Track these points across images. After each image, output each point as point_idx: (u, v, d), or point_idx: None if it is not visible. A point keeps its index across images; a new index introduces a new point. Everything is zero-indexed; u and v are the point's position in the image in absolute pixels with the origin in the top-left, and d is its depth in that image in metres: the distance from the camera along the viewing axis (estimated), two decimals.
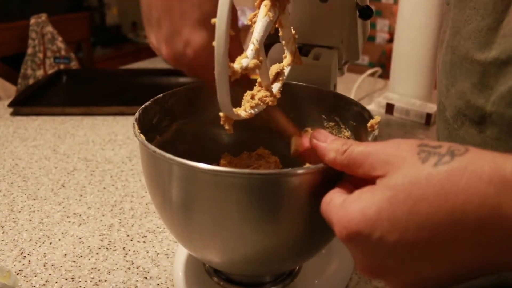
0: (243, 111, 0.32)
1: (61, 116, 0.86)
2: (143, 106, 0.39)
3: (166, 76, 1.08)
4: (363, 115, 0.38)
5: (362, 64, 2.24)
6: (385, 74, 1.14)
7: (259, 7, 0.33)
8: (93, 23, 2.49)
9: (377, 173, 0.25)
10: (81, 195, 0.59)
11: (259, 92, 0.34)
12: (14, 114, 0.87)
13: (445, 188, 0.22)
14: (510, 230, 0.21)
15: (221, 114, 0.30)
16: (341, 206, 0.25)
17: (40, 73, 1.36)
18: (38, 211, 0.56)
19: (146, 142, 0.32)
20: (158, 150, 0.30)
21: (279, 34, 0.38)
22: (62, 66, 1.38)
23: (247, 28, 1.23)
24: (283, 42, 0.38)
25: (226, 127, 0.30)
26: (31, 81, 1.35)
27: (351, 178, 0.28)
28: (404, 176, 0.23)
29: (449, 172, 0.22)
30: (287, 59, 0.38)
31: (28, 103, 0.89)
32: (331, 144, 0.28)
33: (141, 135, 0.33)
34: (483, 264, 0.22)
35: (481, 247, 0.22)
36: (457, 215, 0.21)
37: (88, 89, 1.03)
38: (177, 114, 0.43)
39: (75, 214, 0.55)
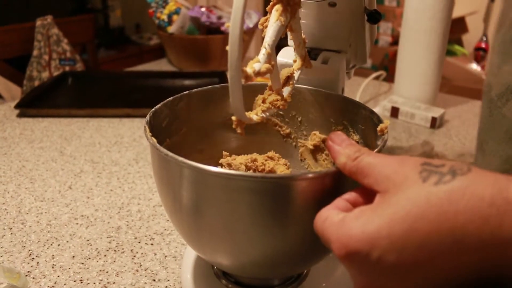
0: (255, 115, 0.32)
1: (67, 118, 0.86)
2: (153, 109, 0.39)
3: (171, 79, 1.08)
4: (372, 119, 0.38)
5: (365, 67, 2.24)
6: (388, 77, 1.15)
7: (270, 12, 0.33)
8: (97, 25, 2.50)
9: (378, 187, 0.25)
10: (88, 197, 0.60)
11: (270, 96, 0.34)
12: (20, 115, 0.87)
13: (445, 207, 0.21)
14: (511, 254, 0.20)
15: (233, 118, 0.30)
16: (342, 224, 0.24)
17: (45, 75, 1.36)
18: (45, 212, 0.56)
19: (158, 145, 0.32)
20: (170, 153, 0.30)
21: (289, 38, 0.39)
22: (67, 68, 1.39)
23: (252, 31, 1.23)
24: (293, 46, 0.38)
25: (239, 131, 0.30)
26: (36, 83, 1.35)
27: (350, 194, 0.28)
28: (404, 194, 0.23)
29: (450, 191, 0.22)
30: (297, 63, 0.38)
31: (34, 104, 0.90)
32: (345, 149, 0.28)
33: (153, 138, 0.34)
34: (485, 285, 0.22)
35: (483, 269, 0.21)
36: (457, 236, 0.21)
37: (93, 91, 1.03)
38: (187, 117, 0.43)
39: (82, 216, 0.56)
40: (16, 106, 0.87)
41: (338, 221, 0.25)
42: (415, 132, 0.83)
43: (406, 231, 0.22)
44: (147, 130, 0.35)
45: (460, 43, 2.38)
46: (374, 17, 0.45)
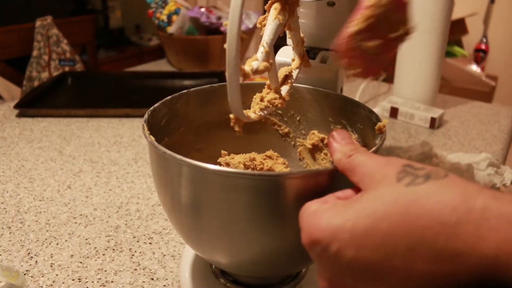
0: (253, 113, 0.32)
1: (67, 118, 0.86)
2: (151, 108, 0.39)
3: (171, 79, 1.08)
4: (371, 118, 0.38)
5: None
6: (387, 78, 1.15)
7: (269, 10, 0.33)
8: (97, 25, 2.50)
9: (362, 185, 0.25)
10: (87, 197, 0.60)
11: (268, 95, 0.34)
12: (20, 115, 0.87)
13: (409, 209, 0.21)
14: (464, 268, 0.20)
15: (231, 116, 0.30)
16: (314, 213, 0.25)
17: (45, 75, 1.36)
18: (44, 212, 0.56)
19: (156, 143, 0.32)
20: (168, 152, 0.30)
21: (287, 37, 0.39)
22: (67, 69, 1.39)
23: (252, 32, 1.23)
24: (292, 45, 0.38)
25: (236, 129, 0.30)
26: (36, 83, 1.35)
27: (342, 192, 0.28)
28: (377, 192, 0.23)
29: (418, 194, 0.21)
30: (296, 62, 0.39)
31: (34, 105, 0.90)
32: (343, 146, 0.29)
33: (151, 137, 0.34)
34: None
35: (436, 280, 0.21)
36: (412, 241, 0.20)
37: (93, 91, 1.03)
38: (185, 116, 0.43)
39: (81, 215, 0.56)
40: (16, 106, 0.87)
41: (313, 211, 0.25)
42: (414, 133, 0.83)
43: (368, 229, 0.22)
44: (145, 128, 0.35)
45: (460, 45, 2.39)
46: None
